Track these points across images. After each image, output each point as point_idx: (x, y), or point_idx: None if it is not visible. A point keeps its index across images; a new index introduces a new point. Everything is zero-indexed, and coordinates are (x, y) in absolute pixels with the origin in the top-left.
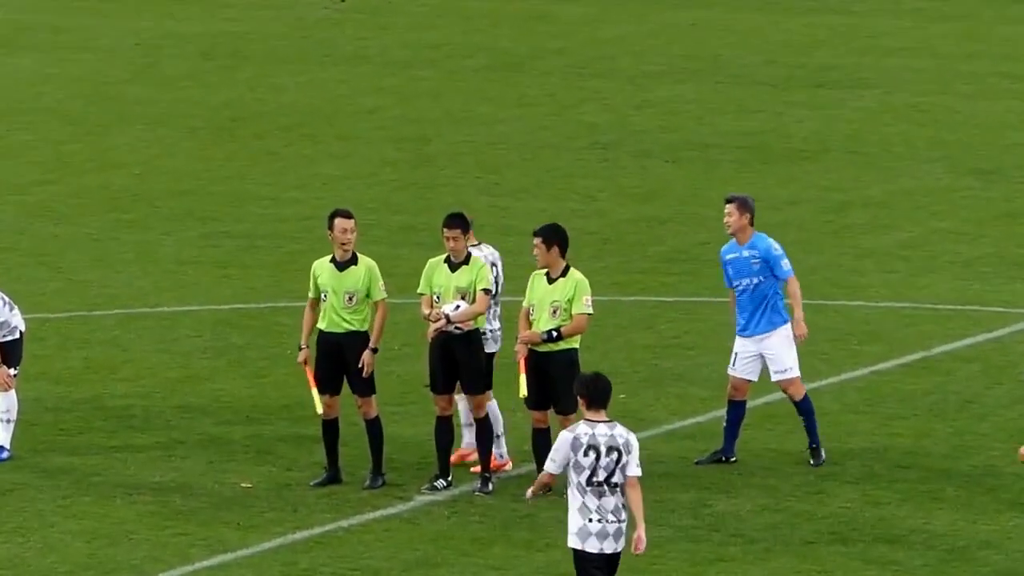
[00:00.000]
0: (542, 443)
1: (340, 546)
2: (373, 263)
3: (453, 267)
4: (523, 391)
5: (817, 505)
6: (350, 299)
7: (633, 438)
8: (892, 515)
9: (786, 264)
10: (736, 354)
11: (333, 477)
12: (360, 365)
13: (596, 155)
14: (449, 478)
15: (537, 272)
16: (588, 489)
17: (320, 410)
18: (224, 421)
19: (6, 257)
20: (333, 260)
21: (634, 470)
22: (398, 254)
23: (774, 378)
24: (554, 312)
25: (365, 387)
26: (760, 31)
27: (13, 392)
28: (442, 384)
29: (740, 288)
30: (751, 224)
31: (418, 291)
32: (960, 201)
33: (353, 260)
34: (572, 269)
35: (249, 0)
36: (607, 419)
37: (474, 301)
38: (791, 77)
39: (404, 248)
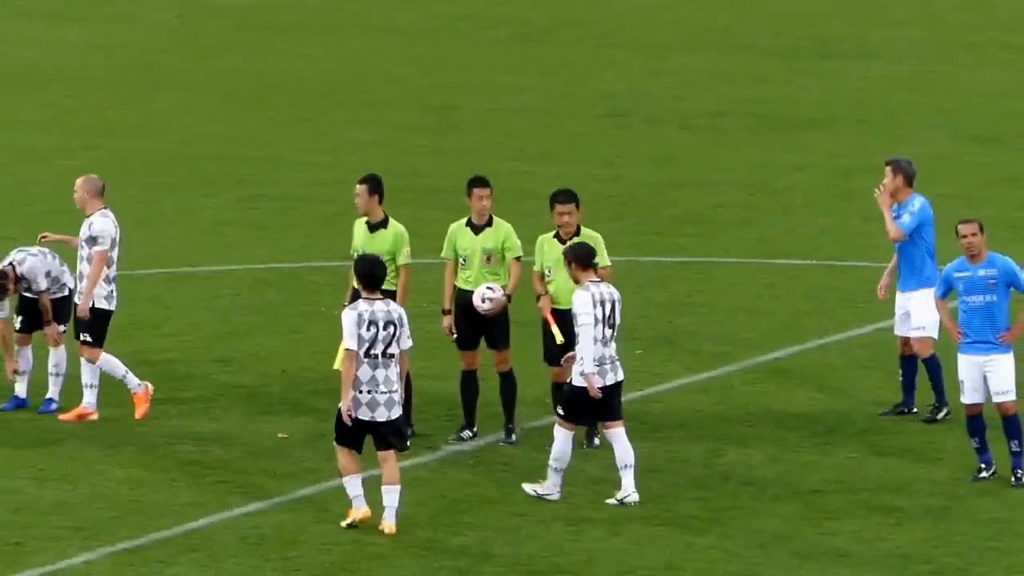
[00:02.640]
0: (557, 392)
1: (372, 493)
2: (403, 229)
3: (476, 230)
4: (560, 337)
5: (824, 456)
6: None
7: (404, 313)
8: (896, 465)
9: (906, 219)
10: (896, 311)
11: None
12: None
13: (613, 122)
14: (475, 429)
15: (545, 236)
16: (365, 361)
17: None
18: (261, 375)
19: (55, 219)
20: (366, 222)
21: (406, 343)
22: (425, 216)
23: (911, 333)
24: None
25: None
26: (769, 3)
27: (63, 347)
28: (467, 340)
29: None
30: (908, 185)
31: (442, 255)
32: (962, 167)
33: (383, 223)
34: (584, 228)
35: None
36: (381, 297)
37: (500, 261)
38: (798, 48)
39: (431, 211)
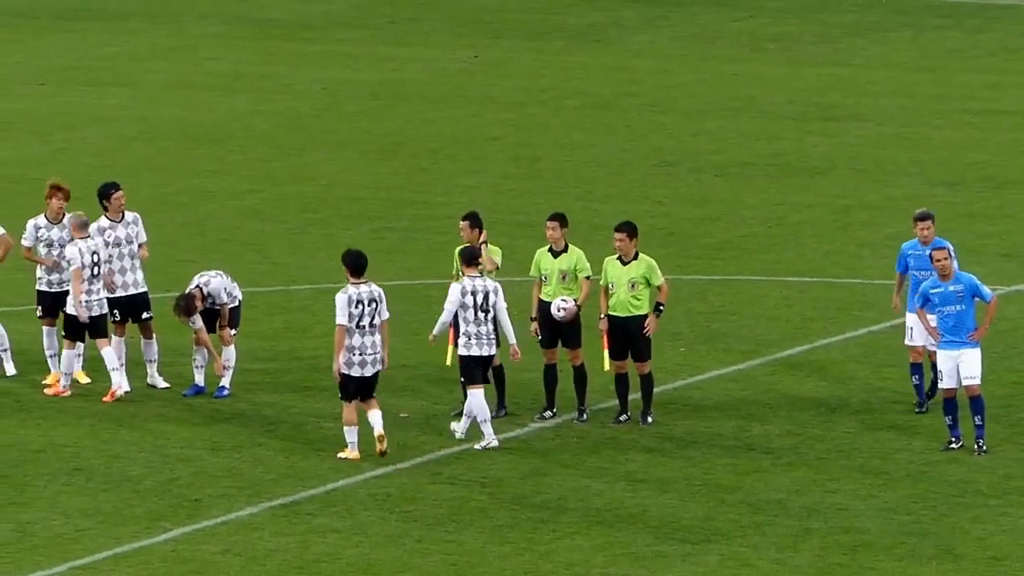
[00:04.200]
0: (622, 384)
1: (474, 460)
2: (497, 249)
3: (555, 254)
4: (607, 366)
5: (827, 431)
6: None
7: (382, 291)
8: (883, 438)
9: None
10: (911, 328)
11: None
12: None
13: (663, 171)
14: (554, 410)
15: (610, 258)
16: (356, 331)
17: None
18: (388, 367)
19: (226, 246)
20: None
21: (385, 315)
22: (516, 244)
23: (930, 346)
24: (632, 286)
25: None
26: (784, 78)
27: (233, 346)
28: (548, 341)
29: (919, 278)
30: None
31: (530, 274)
32: (933, 206)
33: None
34: (641, 253)
35: (406, 55)
36: (365, 280)
37: (574, 279)
38: (807, 112)
39: (521, 240)
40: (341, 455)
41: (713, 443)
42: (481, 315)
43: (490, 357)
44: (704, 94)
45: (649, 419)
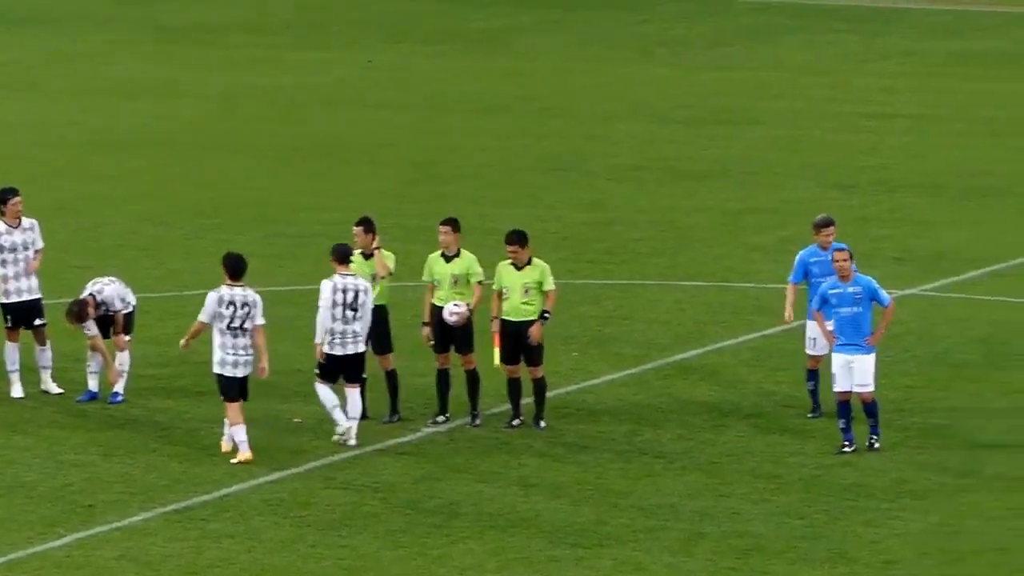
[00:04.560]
0: (515, 388)
1: (367, 465)
2: (390, 255)
3: (448, 259)
4: (496, 361)
5: (719, 434)
6: (373, 278)
7: (259, 297)
8: (776, 442)
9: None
10: (814, 338)
11: (363, 414)
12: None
13: (556, 176)
14: (447, 414)
15: (503, 263)
16: (228, 332)
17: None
18: (279, 372)
19: (122, 251)
20: (361, 252)
21: (259, 320)
22: (410, 249)
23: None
24: (526, 291)
25: (383, 348)
26: (677, 82)
27: (127, 352)
28: (440, 346)
29: (821, 283)
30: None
31: (422, 279)
32: (826, 208)
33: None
34: (534, 259)
35: (304, 60)
36: (241, 284)
37: (466, 284)
38: (699, 117)
39: (415, 245)
40: (234, 460)
41: (605, 447)
42: (349, 313)
43: (356, 356)
44: (598, 98)
45: (542, 423)
